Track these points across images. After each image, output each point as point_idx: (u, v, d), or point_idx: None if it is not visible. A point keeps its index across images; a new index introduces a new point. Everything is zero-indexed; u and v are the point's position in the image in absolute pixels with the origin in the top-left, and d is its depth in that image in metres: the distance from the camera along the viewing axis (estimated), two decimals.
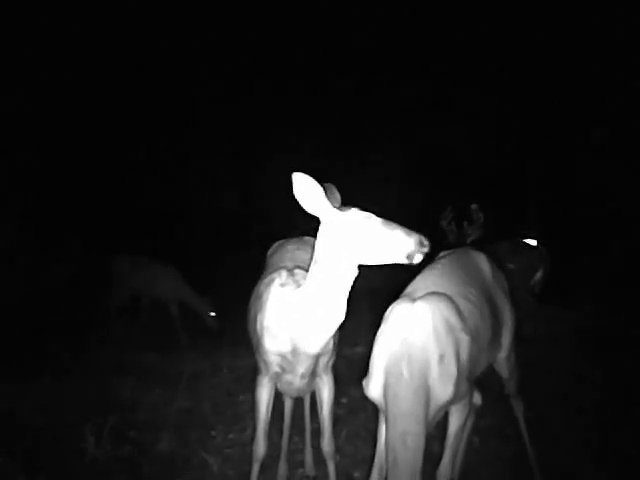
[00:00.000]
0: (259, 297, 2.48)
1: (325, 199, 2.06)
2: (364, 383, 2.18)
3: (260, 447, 2.58)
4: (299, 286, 2.30)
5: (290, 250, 2.84)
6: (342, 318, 2.17)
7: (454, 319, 2.15)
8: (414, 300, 2.14)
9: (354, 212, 2.09)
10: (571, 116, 10.26)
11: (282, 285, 2.37)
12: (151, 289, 7.02)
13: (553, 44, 9.82)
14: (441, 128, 11.09)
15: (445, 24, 10.53)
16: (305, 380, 2.48)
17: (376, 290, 4.84)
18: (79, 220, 10.22)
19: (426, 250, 1.99)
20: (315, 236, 2.16)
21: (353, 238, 2.05)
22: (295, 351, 2.31)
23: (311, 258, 2.18)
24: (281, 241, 3.09)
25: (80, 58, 10.07)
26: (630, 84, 9.19)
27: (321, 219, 2.12)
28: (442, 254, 2.76)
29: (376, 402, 2.17)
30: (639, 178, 9.42)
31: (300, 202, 2.06)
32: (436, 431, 2.42)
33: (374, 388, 2.13)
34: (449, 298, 2.23)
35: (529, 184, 11.48)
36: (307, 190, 2.03)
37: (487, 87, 10.51)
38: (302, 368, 2.39)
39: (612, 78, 9.50)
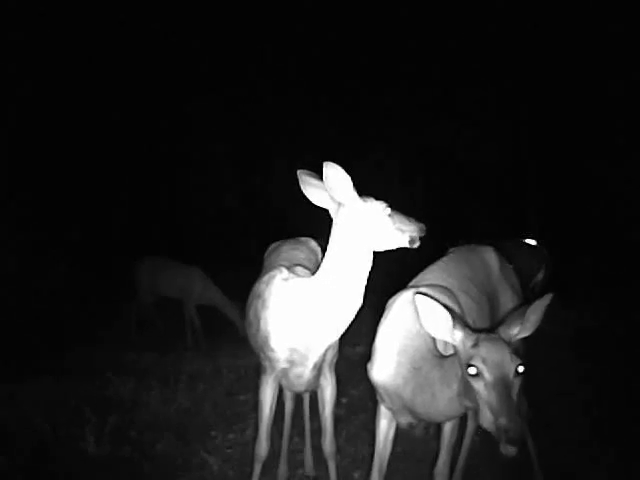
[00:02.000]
0: (259, 296, 2.47)
1: (352, 187, 2.15)
2: (369, 366, 2.20)
3: (263, 448, 2.57)
4: (303, 278, 2.32)
5: (285, 251, 2.86)
6: (360, 303, 2.21)
7: (456, 309, 2.17)
8: (417, 288, 2.20)
9: (372, 201, 2.21)
10: (571, 116, 10.27)
11: (285, 279, 2.38)
12: (181, 292, 6.95)
13: (554, 44, 9.82)
14: (441, 128, 11.09)
15: (445, 24, 10.53)
16: (315, 372, 2.46)
17: (376, 290, 4.83)
18: (77, 220, 10.23)
19: (423, 234, 2.21)
20: (312, 237, 2.18)
21: (372, 225, 2.17)
22: (308, 342, 2.30)
23: (305, 257, 2.19)
24: (277, 243, 3.10)
25: (80, 58, 10.08)
26: (630, 84, 9.20)
27: (343, 206, 2.19)
28: (450, 250, 2.77)
29: (384, 386, 2.17)
30: (639, 178, 9.43)
31: (329, 189, 2.13)
32: (434, 430, 2.42)
33: (381, 370, 2.14)
34: (450, 291, 2.26)
35: (529, 184, 11.48)
36: (337, 178, 2.10)
37: (487, 87, 10.51)
38: (315, 358, 2.38)
39: (612, 78, 9.51)
